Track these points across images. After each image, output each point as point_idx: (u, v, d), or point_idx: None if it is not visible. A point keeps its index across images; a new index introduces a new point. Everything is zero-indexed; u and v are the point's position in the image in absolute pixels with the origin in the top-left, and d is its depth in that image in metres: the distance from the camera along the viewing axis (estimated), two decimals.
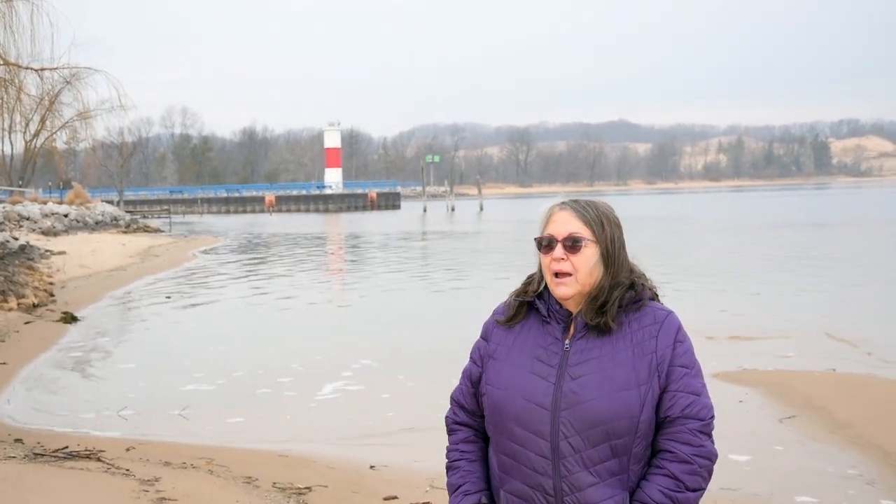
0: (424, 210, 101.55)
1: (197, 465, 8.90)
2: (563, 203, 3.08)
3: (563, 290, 3.00)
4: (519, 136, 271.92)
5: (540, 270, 3.11)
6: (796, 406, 11.30)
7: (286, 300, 24.49)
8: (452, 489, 3.20)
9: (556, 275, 3.01)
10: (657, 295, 3.11)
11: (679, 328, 3.01)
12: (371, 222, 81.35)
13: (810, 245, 39.53)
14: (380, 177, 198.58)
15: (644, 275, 3.12)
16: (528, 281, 3.18)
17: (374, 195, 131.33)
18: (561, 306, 3.06)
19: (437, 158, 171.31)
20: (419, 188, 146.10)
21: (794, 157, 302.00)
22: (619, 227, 3.10)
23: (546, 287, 3.10)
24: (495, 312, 3.23)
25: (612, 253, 3.03)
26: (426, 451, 9.32)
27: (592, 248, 3.01)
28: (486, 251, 41.42)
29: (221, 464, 8.99)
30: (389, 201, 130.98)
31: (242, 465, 9.00)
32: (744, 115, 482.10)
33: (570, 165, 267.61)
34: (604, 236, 3.03)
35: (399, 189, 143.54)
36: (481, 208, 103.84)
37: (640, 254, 3.27)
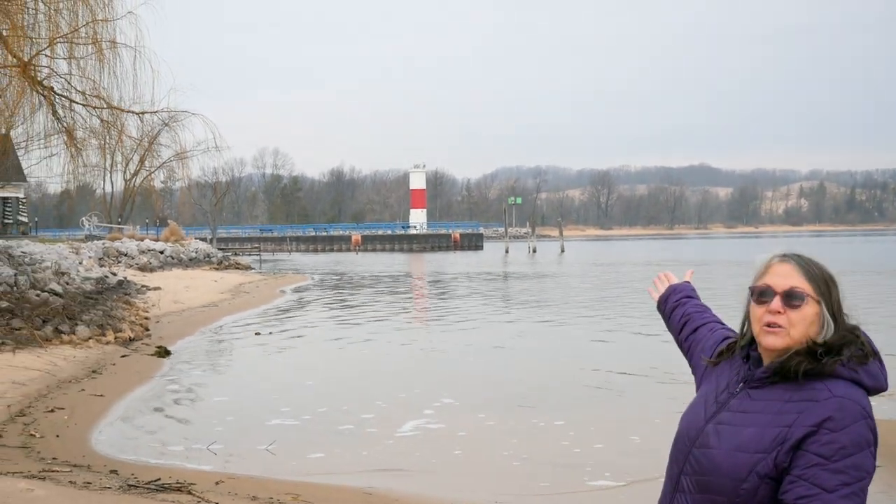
0: (506, 251, 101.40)
1: (283, 501, 8.96)
2: (785, 255, 2.93)
3: (773, 341, 2.84)
4: (600, 179, 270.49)
5: (745, 320, 2.99)
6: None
7: (371, 338, 24.62)
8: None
9: (768, 325, 2.85)
10: (871, 358, 2.83)
11: (841, 416, 2.68)
12: (454, 262, 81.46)
13: None
14: (463, 218, 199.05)
15: (863, 345, 2.84)
16: (733, 342, 3.07)
17: (458, 235, 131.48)
18: (758, 353, 2.93)
19: (519, 200, 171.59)
20: (501, 229, 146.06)
21: (877, 203, 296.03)
22: (838, 287, 2.88)
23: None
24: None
25: (833, 315, 2.83)
26: (504, 485, 9.27)
27: (813, 306, 2.83)
28: (569, 292, 41.21)
29: (307, 500, 9.05)
30: (472, 242, 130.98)
31: (328, 501, 9.04)
32: (825, 160, 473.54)
33: (650, 208, 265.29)
34: (828, 297, 2.84)
35: (482, 230, 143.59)
36: (562, 250, 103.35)
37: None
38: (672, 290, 3.71)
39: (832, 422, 2.66)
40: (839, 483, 2.61)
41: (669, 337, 3.67)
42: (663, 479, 3.05)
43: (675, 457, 2.97)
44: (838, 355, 2.79)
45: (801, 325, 2.81)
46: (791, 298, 2.82)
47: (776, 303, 2.84)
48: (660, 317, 3.74)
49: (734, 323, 3.19)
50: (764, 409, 2.80)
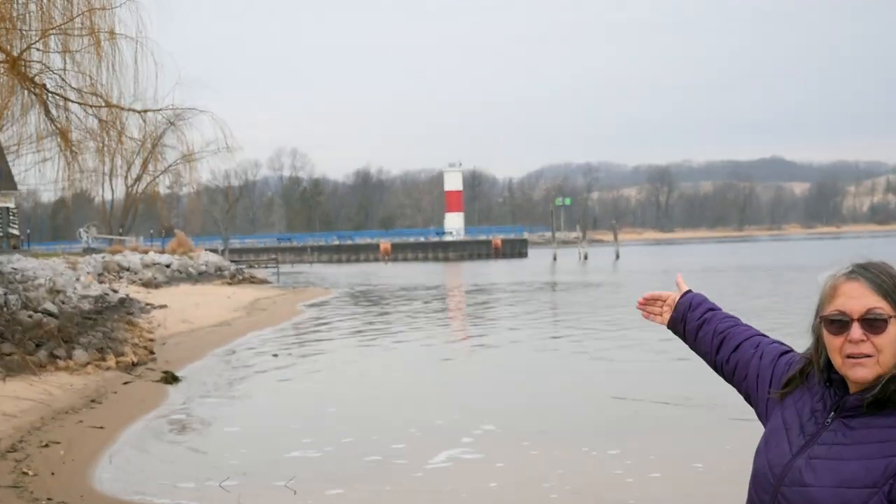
0: (554, 258, 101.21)
1: None
2: (851, 272, 2.84)
3: (862, 373, 2.78)
4: (659, 175, 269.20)
5: (817, 349, 2.93)
6: None
7: (403, 359, 24.67)
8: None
9: (851, 356, 2.78)
10: None
11: None
12: (496, 272, 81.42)
13: None
14: (505, 222, 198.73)
15: None
16: (805, 364, 3.01)
17: (499, 242, 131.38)
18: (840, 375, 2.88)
19: (567, 201, 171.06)
20: (548, 234, 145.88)
21: None
22: None
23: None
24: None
25: None
26: None
27: None
28: (627, 305, 41.05)
29: None
30: (515, 248, 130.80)
31: None
32: None
33: (716, 208, 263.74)
34: None
35: (526, 235, 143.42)
36: (617, 256, 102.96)
37: None
38: (688, 306, 3.58)
39: None
40: None
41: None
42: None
43: (758, 497, 2.93)
44: None
45: (889, 349, 2.76)
46: (872, 323, 2.76)
47: (856, 331, 2.77)
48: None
49: (777, 334, 3.14)
50: (865, 439, 2.77)
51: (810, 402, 2.94)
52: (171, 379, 20.66)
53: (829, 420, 2.86)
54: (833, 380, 2.89)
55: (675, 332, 3.64)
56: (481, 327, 33.28)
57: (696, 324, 3.53)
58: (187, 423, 16.37)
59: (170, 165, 56.72)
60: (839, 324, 2.80)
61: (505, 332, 30.84)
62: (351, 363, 24.27)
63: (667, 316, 3.65)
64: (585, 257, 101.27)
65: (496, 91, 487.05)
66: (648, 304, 3.70)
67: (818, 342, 2.92)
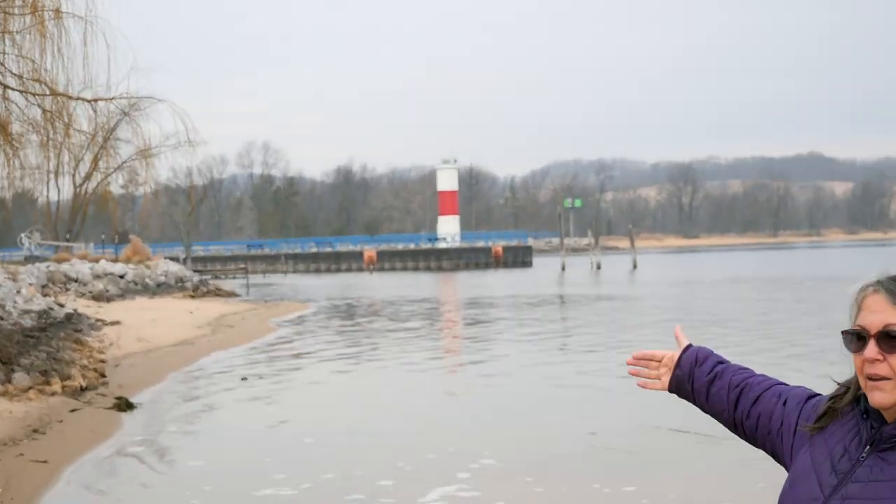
0: (562, 268, 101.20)
1: None
2: (877, 283, 2.87)
3: (880, 398, 2.82)
4: (682, 173, 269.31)
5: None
6: None
7: (390, 383, 24.63)
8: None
9: (870, 377, 2.82)
10: None
11: None
12: (496, 283, 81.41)
13: None
14: (506, 226, 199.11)
15: None
16: (842, 389, 3.03)
17: (500, 249, 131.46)
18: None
19: (577, 203, 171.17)
20: (555, 240, 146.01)
21: None
22: None
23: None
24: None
25: None
26: None
27: None
28: (644, 323, 41.07)
29: None
30: (518, 257, 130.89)
31: None
32: None
33: (747, 210, 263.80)
34: None
35: (530, 242, 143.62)
36: (634, 266, 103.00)
37: None
38: (694, 361, 3.50)
39: None
40: None
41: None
42: None
43: None
44: None
45: None
46: (889, 340, 2.79)
47: (870, 349, 2.80)
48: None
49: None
50: None
51: (843, 438, 2.94)
52: (124, 406, 20.61)
53: (863, 455, 2.86)
54: (870, 411, 2.90)
55: (681, 394, 3.55)
56: (478, 348, 33.25)
57: (706, 380, 3.46)
58: (143, 456, 16.32)
59: (124, 162, 56.77)
60: (860, 341, 2.83)
61: (505, 354, 30.80)
62: (330, 388, 24.24)
63: (666, 379, 3.57)
64: (598, 267, 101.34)
65: (496, 76, 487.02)
66: (641, 364, 3.62)
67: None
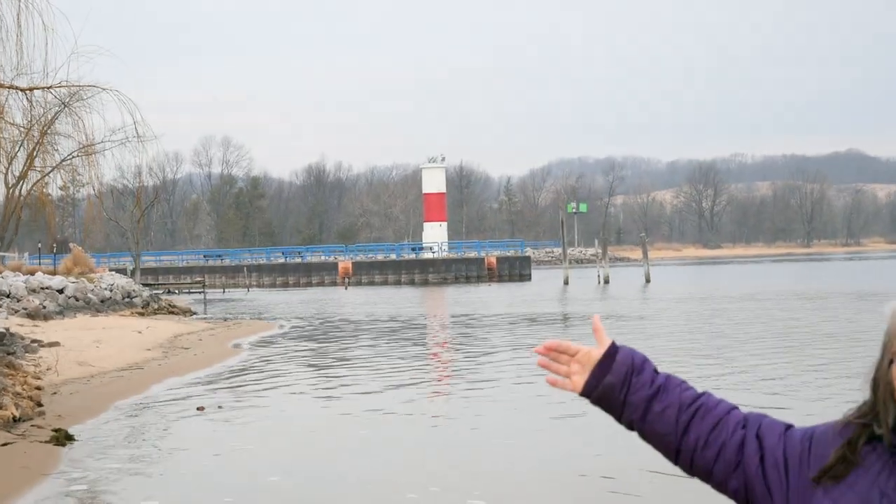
0: (565, 282, 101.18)
1: None
2: None
3: None
4: (702, 174, 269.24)
5: (885, 405, 2.90)
6: None
7: (367, 413, 24.66)
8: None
9: None
10: None
11: None
12: (489, 299, 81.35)
13: None
14: (502, 234, 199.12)
15: None
16: (866, 409, 2.98)
17: (494, 260, 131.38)
18: None
19: (583, 207, 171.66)
20: (557, 250, 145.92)
21: None
22: None
23: None
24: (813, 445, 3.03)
25: None
26: None
27: None
28: (655, 348, 41.10)
29: None
30: (515, 269, 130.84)
31: None
32: None
33: (777, 216, 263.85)
34: None
35: (529, 252, 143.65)
36: (647, 280, 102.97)
37: None
38: (628, 368, 3.26)
39: None
40: None
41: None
42: None
43: None
44: None
45: None
46: None
47: None
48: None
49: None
50: None
51: (875, 480, 2.89)
52: (63, 439, 20.59)
53: None
54: None
55: (600, 403, 3.31)
56: (467, 375, 33.26)
57: (646, 394, 3.24)
58: (85, 497, 16.34)
59: (63, 159, 56.44)
60: (890, 359, 2.85)
61: (497, 381, 30.80)
62: (299, 420, 24.24)
63: (579, 380, 3.31)
64: (606, 281, 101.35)
65: (490, 64, 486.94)
66: (552, 355, 3.35)
67: (885, 393, 2.89)
